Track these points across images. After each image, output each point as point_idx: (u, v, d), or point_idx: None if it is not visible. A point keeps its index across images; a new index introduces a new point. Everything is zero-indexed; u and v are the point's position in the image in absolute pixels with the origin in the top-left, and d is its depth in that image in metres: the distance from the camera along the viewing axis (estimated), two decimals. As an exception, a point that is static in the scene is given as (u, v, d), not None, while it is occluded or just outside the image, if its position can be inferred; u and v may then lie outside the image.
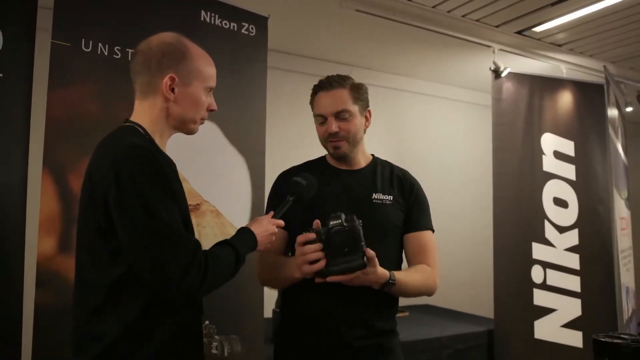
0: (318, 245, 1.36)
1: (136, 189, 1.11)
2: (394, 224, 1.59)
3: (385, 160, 1.71)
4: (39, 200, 1.81)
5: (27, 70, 1.79)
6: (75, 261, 1.24)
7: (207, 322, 2.12)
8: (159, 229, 1.11)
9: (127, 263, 1.13)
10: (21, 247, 1.76)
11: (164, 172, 1.16)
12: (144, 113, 1.26)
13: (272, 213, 1.40)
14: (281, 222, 1.39)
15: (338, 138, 1.56)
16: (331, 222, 1.36)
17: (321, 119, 1.58)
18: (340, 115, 1.55)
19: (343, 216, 1.37)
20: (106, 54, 1.96)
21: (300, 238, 1.39)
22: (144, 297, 1.14)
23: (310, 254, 1.36)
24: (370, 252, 1.36)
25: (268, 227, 1.35)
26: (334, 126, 1.54)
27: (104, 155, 1.18)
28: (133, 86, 1.29)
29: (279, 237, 1.48)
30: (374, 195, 1.58)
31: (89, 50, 1.92)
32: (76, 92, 1.89)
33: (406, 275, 1.51)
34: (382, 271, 1.41)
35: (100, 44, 1.94)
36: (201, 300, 1.30)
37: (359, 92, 1.59)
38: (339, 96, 1.56)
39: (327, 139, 1.58)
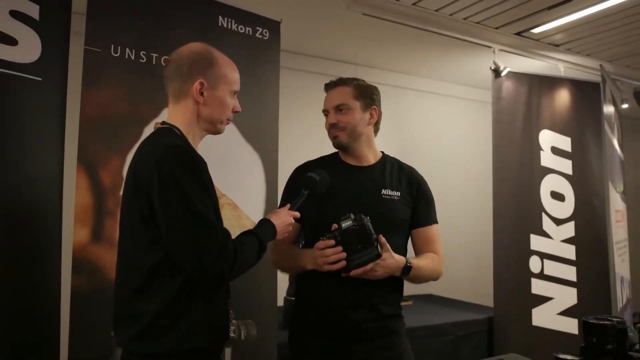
0: (338, 249, 1.53)
1: (176, 184, 1.25)
2: (401, 218, 1.73)
3: (394, 158, 1.84)
4: (74, 194, 1.95)
5: (62, 74, 1.92)
6: (118, 248, 1.39)
7: (225, 307, 2.27)
8: (196, 220, 1.25)
9: (165, 249, 1.27)
10: (58, 237, 1.88)
11: (199, 169, 1.30)
12: (177, 115, 1.40)
13: (288, 205, 1.55)
14: (297, 214, 1.54)
15: (337, 129, 1.71)
16: (343, 224, 1.53)
17: (325, 113, 1.75)
18: (339, 108, 1.71)
19: (352, 216, 1.53)
20: (133, 58, 2.10)
21: (321, 244, 1.55)
22: (180, 279, 1.28)
23: (330, 256, 1.53)
24: (382, 239, 1.53)
25: (286, 219, 1.50)
26: (332, 118, 1.71)
27: (146, 154, 1.32)
28: (166, 92, 1.43)
29: (291, 232, 1.64)
30: (383, 191, 1.72)
31: (117, 55, 2.06)
32: (107, 93, 2.03)
33: (419, 261, 1.68)
34: (398, 256, 1.59)
35: (127, 49, 2.08)
36: (228, 285, 1.44)
37: (362, 91, 1.74)
38: (340, 92, 1.73)
39: (329, 130, 1.75)
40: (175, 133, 1.37)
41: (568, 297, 3.32)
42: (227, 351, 2.28)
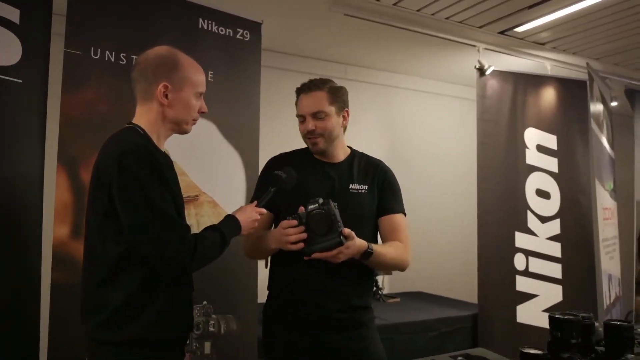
0: (299, 229, 1.57)
1: (135, 180, 1.31)
2: (369, 210, 1.78)
3: (362, 153, 1.89)
4: (54, 192, 2.01)
5: (43, 76, 1.98)
6: (84, 241, 1.45)
7: (205, 302, 2.33)
8: (155, 214, 1.31)
9: (127, 242, 1.32)
10: (39, 234, 1.96)
11: (159, 165, 1.36)
12: (142, 116, 1.46)
13: (255, 202, 1.61)
14: (263, 210, 1.59)
15: (315, 135, 1.75)
16: (309, 207, 1.58)
17: (301, 118, 1.78)
18: (317, 115, 1.74)
19: (320, 200, 1.58)
20: (112, 60, 2.16)
21: (284, 223, 1.60)
22: (144, 271, 1.34)
23: (291, 235, 1.58)
24: (347, 230, 1.56)
25: (251, 215, 1.55)
26: (310, 125, 1.74)
27: (108, 152, 1.38)
28: (133, 93, 1.49)
29: (264, 222, 1.70)
30: (351, 186, 1.77)
31: (97, 57, 2.12)
32: (87, 95, 2.09)
33: (382, 248, 1.71)
34: (360, 242, 1.61)
35: (107, 52, 2.15)
36: (191, 278, 1.50)
37: (336, 95, 1.78)
38: (316, 98, 1.75)
39: (306, 135, 1.78)
40: (138, 132, 1.42)
41: (553, 294, 3.33)
42: (207, 345, 2.34)
